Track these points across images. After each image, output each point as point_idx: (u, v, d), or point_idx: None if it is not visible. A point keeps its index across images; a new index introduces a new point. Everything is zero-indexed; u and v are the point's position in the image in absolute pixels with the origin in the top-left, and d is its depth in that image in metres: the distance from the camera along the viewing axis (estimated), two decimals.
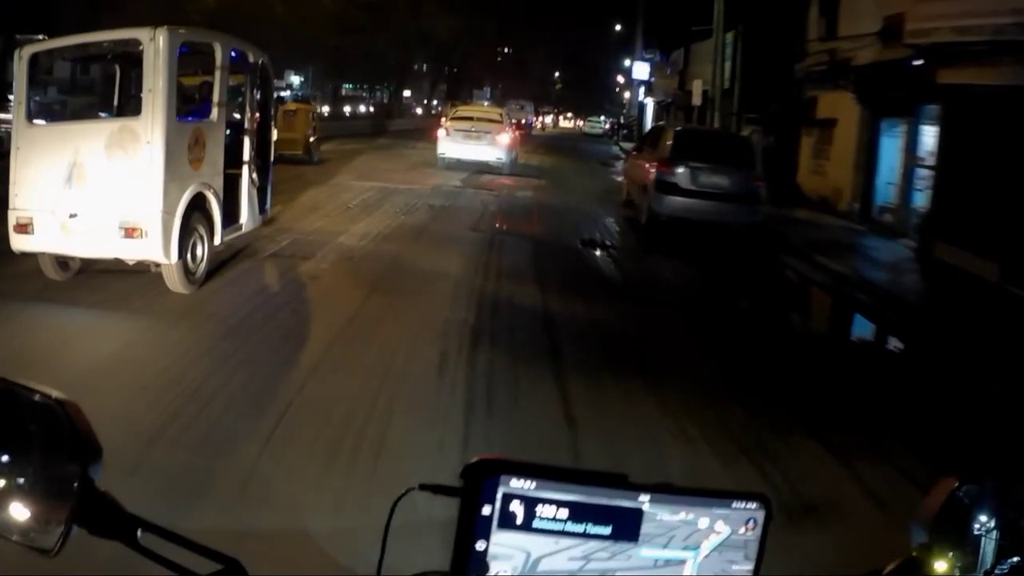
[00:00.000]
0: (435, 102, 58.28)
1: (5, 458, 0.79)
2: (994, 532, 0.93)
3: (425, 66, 53.42)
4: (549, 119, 68.53)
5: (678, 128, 13.48)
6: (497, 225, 11.28)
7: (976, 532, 0.93)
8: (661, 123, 17.99)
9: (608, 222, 12.90)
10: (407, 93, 59.82)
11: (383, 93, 48.97)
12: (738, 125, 19.11)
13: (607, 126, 56.89)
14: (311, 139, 17.22)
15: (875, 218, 13.70)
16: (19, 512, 0.78)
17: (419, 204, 12.50)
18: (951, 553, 0.90)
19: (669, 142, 12.07)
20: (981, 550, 0.93)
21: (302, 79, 39.67)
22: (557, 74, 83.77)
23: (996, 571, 0.93)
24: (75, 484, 0.77)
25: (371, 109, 37.96)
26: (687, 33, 27.74)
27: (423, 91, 56.51)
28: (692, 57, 29.03)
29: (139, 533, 0.79)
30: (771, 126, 17.39)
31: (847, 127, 14.64)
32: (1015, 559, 0.93)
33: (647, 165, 12.29)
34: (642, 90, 44.35)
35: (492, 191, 15.17)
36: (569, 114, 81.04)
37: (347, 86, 53.43)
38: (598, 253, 10.10)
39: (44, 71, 6.45)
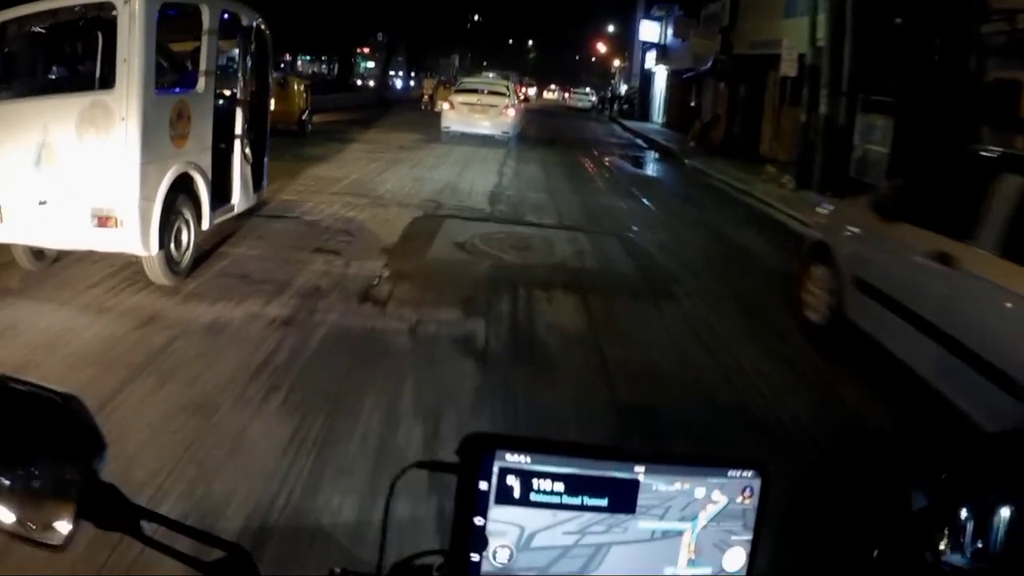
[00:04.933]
0: (393, 72, 57.55)
1: (9, 455, 0.84)
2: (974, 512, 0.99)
3: (391, 36, 52.86)
4: (532, 91, 68.63)
5: None
6: None
7: (965, 513, 0.99)
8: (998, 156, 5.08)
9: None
10: (371, 64, 59.21)
11: (338, 64, 48.17)
12: (850, 111, 13.90)
13: (594, 99, 57.26)
14: (304, 112, 18.07)
15: None
16: (25, 508, 0.83)
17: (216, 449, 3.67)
18: (947, 527, 0.97)
19: None
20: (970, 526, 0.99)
21: None
22: (531, 42, 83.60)
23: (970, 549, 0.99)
24: (80, 479, 0.83)
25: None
26: None
27: (381, 62, 55.75)
28: (743, 9, 22.98)
29: (143, 524, 0.86)
30: (907, 114, 12.04)
31: None
32: (979, 543, 0.98)
33: None
34: (652, 56, 38.24)
35: (463, 319, 5.90)
36: (553, 86, 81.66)
37: (304, 57, 52.95)
38: None
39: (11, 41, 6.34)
